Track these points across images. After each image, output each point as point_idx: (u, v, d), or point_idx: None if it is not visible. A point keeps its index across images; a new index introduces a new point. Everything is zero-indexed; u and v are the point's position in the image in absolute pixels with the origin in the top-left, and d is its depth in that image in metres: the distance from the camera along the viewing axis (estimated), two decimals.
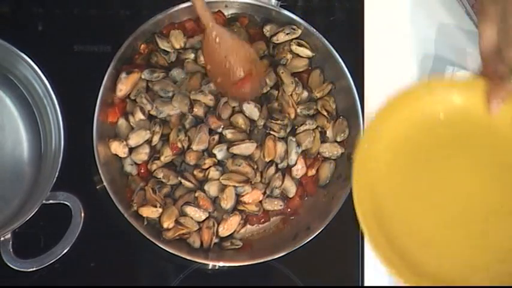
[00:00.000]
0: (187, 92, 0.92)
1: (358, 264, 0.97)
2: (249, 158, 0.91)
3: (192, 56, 0.94)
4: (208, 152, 0.91)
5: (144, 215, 0.89)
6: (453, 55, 1.02)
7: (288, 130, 0.93)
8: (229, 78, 0.90)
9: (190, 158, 0.91)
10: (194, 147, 0.90)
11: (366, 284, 0.97)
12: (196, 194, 0.90)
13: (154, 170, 0.91)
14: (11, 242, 0.86)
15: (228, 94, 0.91)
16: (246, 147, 0.91)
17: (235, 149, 0.91)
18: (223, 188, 0.91)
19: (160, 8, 0.93)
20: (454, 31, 1.03)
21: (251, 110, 0.92)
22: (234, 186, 0.91)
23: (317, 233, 0.89)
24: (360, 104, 0.92)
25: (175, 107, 0.91)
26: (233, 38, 0.89)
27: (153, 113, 0.92)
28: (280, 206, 0.94)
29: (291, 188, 0.94)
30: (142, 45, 0.94)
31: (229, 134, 0.91)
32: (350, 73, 0.93)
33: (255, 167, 0.91)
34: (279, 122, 0.91)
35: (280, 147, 0.92)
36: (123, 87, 0.91)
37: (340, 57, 0.93)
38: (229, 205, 0.91)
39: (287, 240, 0.92)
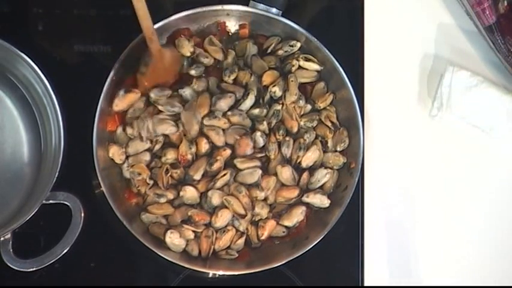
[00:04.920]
0: (196, 113, 0.91)
1: (358, 264, 0.97)
2: (254, 185, 0.91)
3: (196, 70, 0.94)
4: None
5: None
6: (453, 55, 1.02)
7: (291, 146, 0.92)
8: (158, 82, 0.92)
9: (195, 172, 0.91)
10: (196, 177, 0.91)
11: (365, 284, 0.97)
12: (190, 213, 0.90)
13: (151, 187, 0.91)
14: (11, 242, 0.86)
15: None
16: (250, 173, 0.91)
17: (240, 177, 0.91)
18: (222, 206, 0.91)
19: (160, 10, 0.93)
20: (454, 31, 1.03)
21: (257, 138, 0.92)
22: (231, 213, 0.90)
23: (316, 242, 0.89)
24: (360, 114, 0.92)
25: (173, 127, 0.90)
26: (172, 54, 0.92)
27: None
28: (283, 232, 0.94)
29: (299, 217, 0.93)
30: None
31: (238, 163, 0.91)
32: (351, 83, 0.92)
33: (256, 197, 0.91)
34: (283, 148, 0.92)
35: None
36: (119, 104, 0.91)
37: (341, 66, 0.92)
38: (218, 224, 0.90)
39: (285, 249, 0.91)
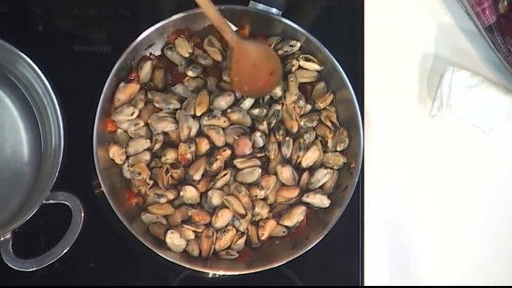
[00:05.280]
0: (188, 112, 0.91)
1: (358, 264, 0.97)
2: (254, 184, 0.91)
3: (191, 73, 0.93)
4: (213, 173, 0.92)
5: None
6: (453, 55, 1.02)
7: (291, 147, 0.92)
8: (255, 83, 0.91)
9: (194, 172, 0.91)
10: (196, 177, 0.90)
11: (365, 284, 0.97)
12: (190, 213, 0.90)
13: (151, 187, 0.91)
14: (11, 242, 0.86)
15: (253, 94, 0.92)
16: (249, 173, 0.91)
17: (239, 176, 0.91)
18: (222, 205, 0.91)
19: (160, 10, 0.94)
20: (454, 31, 1.03)
21: (257, 138, 0.91)
22: (232, 213, 0.90)
23: (316, 242, 0.89)
24: (360, 114, 0.92)
25: (172, 124, 0.90)
26: (257, 46, 0.91)
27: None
28: (284, 232, 0.94)
29: (300, 217, 0.93)
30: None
31: (238, 163, 0.91)
32: (351, 83, 0.92)
33: (256, 196, 0.91)
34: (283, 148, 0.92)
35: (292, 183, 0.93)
36: (121, 97, 0.91)
37: (341, 66, 0.92)
38: (218, 224, 0.90)
39: (286, 249, 0.92)
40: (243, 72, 0.90)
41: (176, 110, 0.91)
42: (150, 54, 0.94)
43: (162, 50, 0.94)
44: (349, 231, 0.97)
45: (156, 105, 0.91)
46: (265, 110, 0.93)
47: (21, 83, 0.93)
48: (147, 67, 0.93)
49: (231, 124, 0.92)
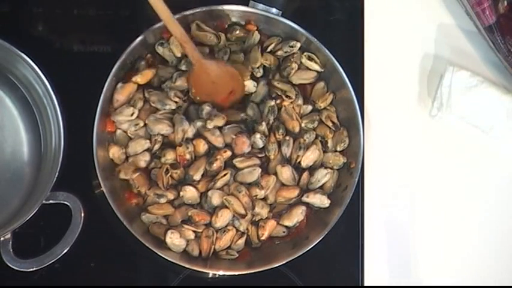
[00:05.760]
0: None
1: (358, 264, 0.97)
2: (254, 183, 0.91)
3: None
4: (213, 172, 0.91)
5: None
6: (453, 55, 1.02)
7: (291, 147, 0.92)
8: (213, 98, 0.92)
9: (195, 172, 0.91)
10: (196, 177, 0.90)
11: (365, 284, 0.97)
12: (190, 213, 0.90)
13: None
14: (11, 242, 0.86)
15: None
16: (249, 172, 0.91)
17: (239, 176, 0.91)
18: (222, 205, 0.91)
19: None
20: (454, 31, 1.03)
21: (256, 140, 0.91)
22: (232, 213, 0.90)
23: (316, 242, 0.89)
24: (360, 114, 0.92)
25: (168, 127, 0.90)
26: (219, 67, 0.91)
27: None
28: (284, 232, 0.94)
29: (299, 217, 0.93)
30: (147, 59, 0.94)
31: (238, 162, 0.91)
32: (350, 83, 0.92)
33: (256, 196, 0.91)
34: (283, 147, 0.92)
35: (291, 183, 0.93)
36: (119, 97, 0.91)
37: (341, 66, 0.92)
38: (218, 224, 0.90)
39: (286, 249, 0.91)
40: (202, 87, 0.92)
41: (172, 110, 0.91)
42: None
43: (153, 46, 0.94)
44: (349, 231, 0.97)
45: (153, 105, 0.91)
46: (255, 106, 0.92)
47: (21, 83, 0.93)
48: (142, 66, 0.93)
49: (228, 124, 0.91)
